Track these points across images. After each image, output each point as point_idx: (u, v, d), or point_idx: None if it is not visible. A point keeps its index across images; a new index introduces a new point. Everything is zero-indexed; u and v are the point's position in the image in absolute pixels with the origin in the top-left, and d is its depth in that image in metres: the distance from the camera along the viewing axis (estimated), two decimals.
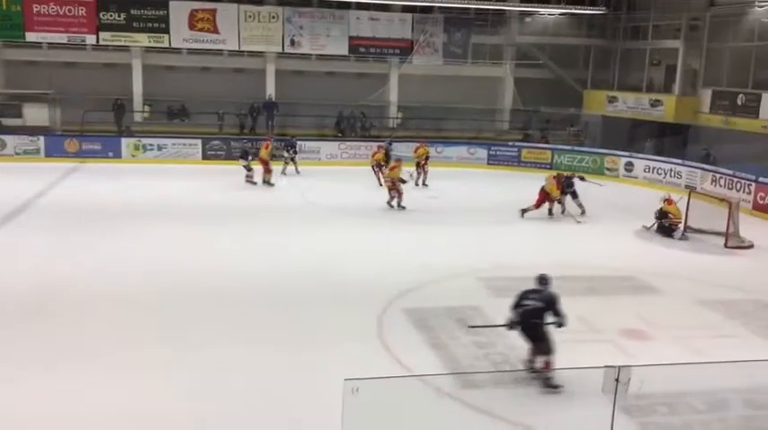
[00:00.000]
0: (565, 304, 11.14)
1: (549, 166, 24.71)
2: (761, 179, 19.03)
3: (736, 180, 19.72)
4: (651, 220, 15.97)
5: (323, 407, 6.34)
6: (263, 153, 20.67)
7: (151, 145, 24.00)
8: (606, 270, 13.17)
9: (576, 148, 25.28)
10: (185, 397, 7.65)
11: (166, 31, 25.78)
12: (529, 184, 18.65)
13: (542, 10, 27.99)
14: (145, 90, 26.53)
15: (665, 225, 15.67)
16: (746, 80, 23.37)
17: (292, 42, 26.67)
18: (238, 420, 7.28)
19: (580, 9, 27.38)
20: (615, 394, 5.05)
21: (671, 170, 22.11)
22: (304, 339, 9.37)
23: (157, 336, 9.29)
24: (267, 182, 20.40)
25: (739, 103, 23.30)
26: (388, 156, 20.77)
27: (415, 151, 21.50)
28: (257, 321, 9.96)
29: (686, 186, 20.10)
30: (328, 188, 20.61)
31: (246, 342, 9.21)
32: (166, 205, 17.31)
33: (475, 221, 16.81)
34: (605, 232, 16.00)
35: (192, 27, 25.90)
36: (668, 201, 15.93)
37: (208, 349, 8.89)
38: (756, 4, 22.42)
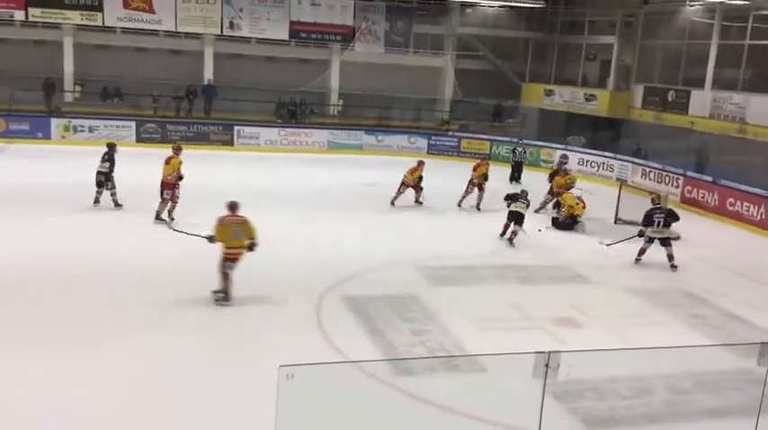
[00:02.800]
0: (500, 292, 11.45)
1: (488, 157, 25.02)
2: (688, 173, 19.75)
3: (665, 174, 20.42)
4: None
5: (258, 394, 6.29)
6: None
7: (82, 126, 23.22)
8: (540, 260, 13.47)
9: (514, 140, 25.65)
10: (123, 383, 7.52)
11: (100, 8, 25.00)
12: (468, 175, 18.86)
13: (483, 2, 28.30)
14: (76, 69, 25.68)
15: (559, 217, 15.86)
16: (677, 77, 24.20)
17: (231, 25, 26.22)
18: (174, 407, 7.19)
19: (519, 2, 27.78)
20: (545, 379, 5.17)
21: (603, 163, 22.72)
22: (241, 326, 9.27)
23: (92, 322, 9.04)
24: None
25: (670, 99, 24.12)
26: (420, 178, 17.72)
27: (475, 169, 17.78)
28: (194, 308, 9.79)
29: (617, 179, 20.71)
30: (266, 175, 20.37)
31: (183, 330, 9.06)
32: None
33: (414, 210, 16.92)
34: (540, 223, 16.32)
35: (126, 6, 25.18)
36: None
37: (140, 337, 8.71)
38: (688, 3, 23.19)
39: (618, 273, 12.87)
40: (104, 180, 15.06)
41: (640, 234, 13.22)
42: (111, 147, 15.61)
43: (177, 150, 15.02)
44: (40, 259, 11.41)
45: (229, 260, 9.83)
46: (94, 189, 15.01)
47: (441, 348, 8.98)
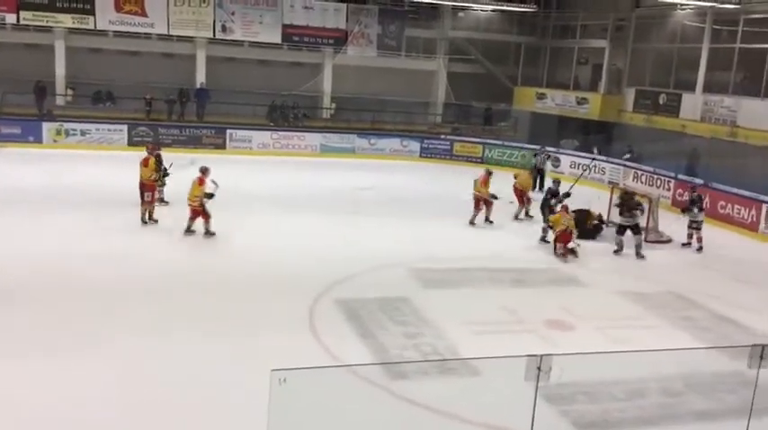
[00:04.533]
0: (492, 295, 11.46)
1: (480, 160, 25.09)
2: (680, 176, 19.83)
3: (656, 177, 20.49)
4: None
5: (250, 398, 6.28)
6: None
7: (74, 130, 23.14)
8: (532, 263, 13.49)
9: (507, 143, 25.74)
10: (112, 386, 7.49)
11: (92, 12, 24.92)
12: (460, 178, 18.90)
13: (474, 6, 28.35)
14: (68, 73, 25.60)
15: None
16: (668, 80, 24.31)
17: (224, 28, 26.19)
18: (165, 409, 7.16)
19: (511, 6, 27.86)
20: (537, 382, 5.18)
21: (595, 166, 22.76)
22: (234, 329, 9.24)
23: (81, 325, 9.01)
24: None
25: (661, 102, 24.22)
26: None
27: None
28: (187, 311, 9.77)
29: (609, 182, 20.76)
30: (259, 178, 20.34)
31: (176, 331, 9.05)
32: (90, 191, 16.72)
33: (406, 214, 16.91)
34: (532, 226, 16.35)
35: (118, 9, 25.11)
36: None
37: (130, 339, 8.68)
38: (679, 7, 23.31)
39: (609, 275, 12.91)
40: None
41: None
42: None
43: (152, 150, 15.04)
44: (31, 262, 11.36)
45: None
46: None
47: (434, 351, 8.97)
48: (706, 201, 16.47)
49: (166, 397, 7.38)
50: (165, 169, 15.47)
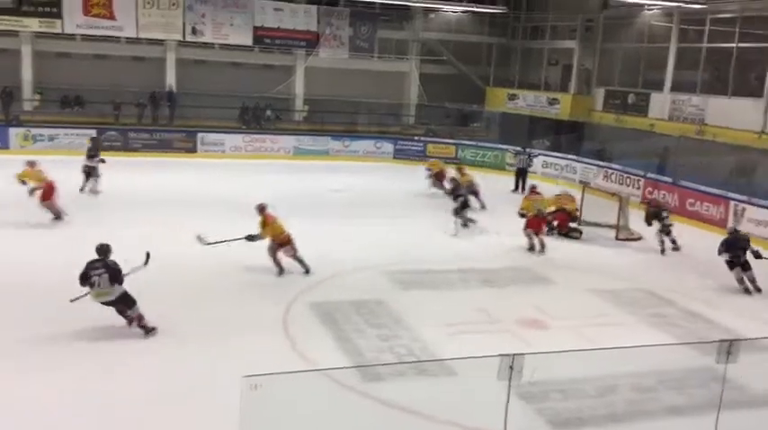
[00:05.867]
0: (466, 296, 11.51)
1: (453, 161, 25.19)
2: (649, 175, 20.11)
3: (626, 175, 20.75)
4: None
5: (222, 405, 6.23)
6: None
7: (42, 135, 22.79)
8: (505, 262, 13.57)
9: (480, 143, 25.88)
10: (81, 395, 7.39)
11: (59, 15, 24.54)
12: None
13: (445, 7, 28.47)
14: (35, 77, 25.20)
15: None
16: (637, 80, 24.63)
17: (194, 31, 25.96)
18: (136, 413, 7.10)
19: (481, 7, 28.03)
20: (510, 381, 5.22)
21: (567, 166, 23.00)
22: (208, 334, 9.17)
23: (43, 334, 8.87)
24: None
25: (630, 102, 24.54)
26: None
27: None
28: (159, 316, 9.66)
29: (581, 181, 20.97)
30: (232, 182, 20.20)
31: (142, 338, 8.96)
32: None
33: (381, 215, 16.92)
34: (505, 225, 16.43)
35: (86, 12, 24.77)
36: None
37: (107, 341, 8.60)
38: (646, 7, 23.62)
39: (580, 274, 13.04)
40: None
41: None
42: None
43: (31, 164, 15.25)
44: (34, 266, 11.31)
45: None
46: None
47: (409, 353, 8.99)
48: (674, 199, 16.76)
49: (137, 403, 7.30)
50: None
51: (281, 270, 11.81)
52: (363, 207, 17.81)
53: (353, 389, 7.46)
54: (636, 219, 16.43)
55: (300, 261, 11.95)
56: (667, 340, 9.85)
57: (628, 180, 20.58)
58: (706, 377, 7.59)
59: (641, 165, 20.58)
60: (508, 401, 5.43)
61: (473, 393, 7.53)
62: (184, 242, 13.45)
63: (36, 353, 8.36)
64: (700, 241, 16.48)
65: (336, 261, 12.74)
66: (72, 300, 8.97)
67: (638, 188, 20.10)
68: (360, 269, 12.46)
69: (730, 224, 14.71)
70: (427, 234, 15.40)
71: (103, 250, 9.10)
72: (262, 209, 12.15)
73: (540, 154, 23.81)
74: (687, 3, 21.57)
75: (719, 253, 12.27)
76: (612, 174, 21.31)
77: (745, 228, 16.55)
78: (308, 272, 11.89)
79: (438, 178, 19.05)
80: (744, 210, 16.78)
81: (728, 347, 6.24)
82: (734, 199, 17.09)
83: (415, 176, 21.99)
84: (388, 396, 7.52)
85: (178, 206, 16.57)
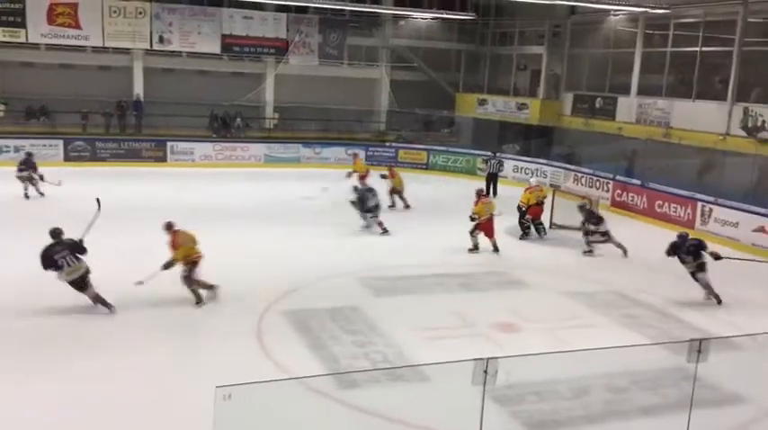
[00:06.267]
0: (441, 300, 11.52)
1: (425, 167, 25.29)
2: (618, 177, 20.36)
3: (595, 178, 20.99)
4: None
5: (194, 417, 6.15)
6: None
7: (7, 146, 22.37)
8: (478, 266, 13.62)
9: (451, 149, 26.00)
10: (49, 410, 7.25)
11: (23, 25, 24.14)
12: (406, 185, 19.00)
13: (414, 14, 28.59)
14: None
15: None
16: (604, 84, 24.95)
17: (161, 39, 25.72)
18: (108, 426, 7.01)
19: (450, 14, 28.19)
20: (484, 385, 5.22)
21: (537, 170, 23.20)
22: (176, 346, 9.06)
23: (15, 347, 8.68)
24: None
25: (597, 106, 24.83)
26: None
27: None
28: (130, 328, 9.53)
29: (551, 185, 21.15)
30: (202, 191, 20.03)
31: (119, 348, 8.84)
32: (23, 209, 16.20)
33: (352, 222, 16.87)
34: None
35: (51, 21, 24.40)
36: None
37: (78, 355, 8.45)
38: (612, 13, 23.96)
39: (553, 277, 13.13)
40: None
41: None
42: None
43: None
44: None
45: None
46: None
47: (384, 359, 8.96)
48: (643, 201, 16.96)
49: (108, 416, 7.18)
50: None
51: (199, 299, 10.42)
52: (336, 214, 17.75)
53: (329, 396, 7.42)
54: (605, 222, 16.60)
55: (208, 286, 10.57)
56: (639, 340, 9.95)
57: (597, 183, 20.82)
58: (678, 376, 7.69)
59: (610, 168, 20.85)
60: (483, 405, 5.43)
61: (448, 398, 7.52)
62: (154, 252, 13.30)
63: (3, 370, 8.17)
64: (668, 242, 16.72)
65: (310, 268, 12.68)
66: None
67: (608, 191, 20.34)
68: (334, 276, 12.41)
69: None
70: (402, 239, 15.40)
71: (56, 233, 9.71)
72: (169, 227, 10.60)
73: (510, 158, 24.03)
74: (651, 8, 21.92)
75: (667, 254, 12.10)
76: (582, 177, 21.55)
77: (711, 228, 16.88)
78: (199, 302, 10.41)
79: (362, 179, 19.33)
80: (711, 210, 17.07)
81: (699, 346, 6.32)
82: (701, 200, 17.38)
83: (388, 182, 21.98)
84: (364, 402, 7.50)
85: (148, 216, 16.35)
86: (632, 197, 19.58)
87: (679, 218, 17.84)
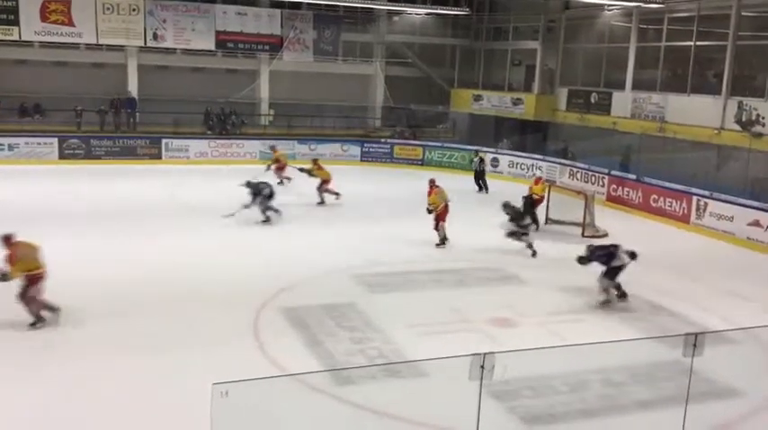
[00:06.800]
0: (437, 296, 11.52)
1: (420, 163, 25.28)
2: (613, 172, 20.40)
3: (591, 173, 21.03)
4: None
5: (193, 414, 6.15)
6: None
7: (1, 144, 22.31)
8: (475, 262, 13.63)
9: (446, 145, 26.00)
10: (51, 406, 7.27)
11: (15, 23, 24.02)
12: (401, 181, 19.02)
13: (409, 9, 28.54)
14: None
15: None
16: (599, 79, 24.96)
17: (155, 36, 25.63)
18: (107, 424, 7.01)
19: (445, 9, 28.17)
20: (481, 380, 5.23)
21: (533, 165, 23.23)
22: (176, 342, 9.05)
23: (25, 344, 8.68)
24: None
25: (592, 101, 24.86)
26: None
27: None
28: (127, 326, 9.51)
29: (546, 180, 21.16)
30: (199, 187, 20.00)
31: (117, 346, 8.82)
32: (18, 208, 16.13)
33: (348, 218, 16.89)
34: (473, 226, 16.53)
35: (44, 19, 24.29)
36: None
37: (77, 355, 8.46)
38: (606, 7, 23.97)
39: (549, 272, 13.14)
40: None
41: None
42: None
43: None
44: None
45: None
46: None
47: (380, 355, 8.97)
48: (638, 196, 16.99)
49: (105, 414, 7.18)
50: None
51: (38, 320, 9.28)
52: (331, 210, 17.76)
53: (325, 392, 7.42)
54: (601, 216, 16.67)
55: (49, 307, 9.37)
56: (635, 335, 9.97)
57: (593, 178, 20.85)
58: (674, 370, 7.71)
59: (605, 163, 20.88)
60: (480, 400, 5.43)
61: (445, 393, 7.54)
62: (149, 251, 13.31)
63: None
64: (664, 236, 16.80)
65: (306, 265, 12.68)
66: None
67: (603, 186, 20.38)
68: (330, 272, 12.41)
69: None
70: (398, 236, 15.38)
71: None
72: (7, 240, 9.30)
73: (505, 154, 24.10)
74: (645, 2, 21.93)
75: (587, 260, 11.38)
76: (577, 172, 21.58)
77: (707, 222, 16.92)
78: (34, 325, 9.24)
79: (279, 170, 20.05)
80: (706, 204, 17.11)
81: (694, 340, 6.34)
82: (696, 194, 17.42)
83: (382, 178, 22.06)
84: (361, 399, 7.50)
85: (142, 214, 16.34)
86: (628, 192, 19.62)
87: (674, 212, 17.88)
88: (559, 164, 22.48)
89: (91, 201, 17.54)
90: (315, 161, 19.33)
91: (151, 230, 14.76)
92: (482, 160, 22.28)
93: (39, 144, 22.67)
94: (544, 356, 7.35)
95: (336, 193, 18.38)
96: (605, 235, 15.98)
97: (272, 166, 20.22)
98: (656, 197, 18.55)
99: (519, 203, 15.66)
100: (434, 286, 12.14)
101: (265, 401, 5.19)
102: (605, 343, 7.96)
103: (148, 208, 17.07)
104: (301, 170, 18.81)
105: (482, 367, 5.11)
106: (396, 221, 16.74)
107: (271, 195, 15.81)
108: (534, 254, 14.07)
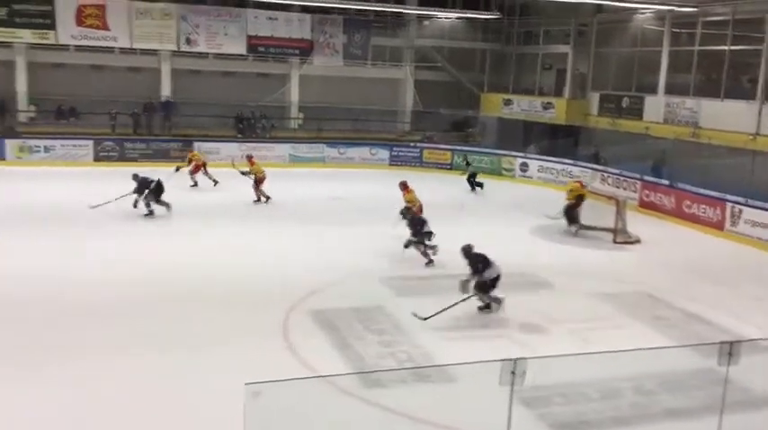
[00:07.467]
0: (465, 301, 11.46)
1: (449, 167, 25.23)
2: (645, 178, 20.15)
3: (623, 179, 20.79)
4: (546, 219, 16.60)
5: (226, 412, 6.20)
6: None
7: (38, 146, 22.77)
8: (505, 267, 13.45)
9: (475, 149, 25.91)
10: (81, 404, 7.35)
11: (53, 26, 24.55)
12: (431, 185, 18.99)
13: (439, 14, 28.53)
14: (30, 88, 25.13)
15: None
16: (630, 84, 24.69)
17: (188, 41, 25.98)
18: (140, 425, 7.07)
19: (475, 13, 28.11)
20: (512, 386, 5.20)
21: (563, 170, 23.05)
22: (208, 343, 9.13)
23: (41, 343, 8.83)
24: None
25: (624, 105, 24.57)
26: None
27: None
28: (159, 326, 9.63)
29: (577, 181, 20.97)
30: (228, 189, 20.15)
31: (149, 346, 8.92)
32: (54, 209, 16.44)
33: (377, 222, 16.86)
34: (503, 230, 16.45)
35: (80, 23, 24.77)
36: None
37: (109, 353, 8.59)
38: (639, 11, 23.71)
39: (579, 277, 13.02)
40: None
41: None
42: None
43: None
44: (22, 281, 11.17)
45: None
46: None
47: (409, 359, 8.96)
48: (671, 202, 16.67)
49: (139, 413, 7.26)
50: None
51: None
52: (359, 213, 17.80)
53: (355, 395, 7.43)
54: (633, 223, 16.47)
55: None
56: (667, 342, 9.83)
57: (625, 183, 20.62)
58: (707, 379, 7.57)
59: (637, 169, 20.63)
60: (511, 406, 5.40)
61: (474, 399, 7.50)
62: (177, 250, 13.48)
63: (30, 366, 8.30)
64: (697, 243, 16.55)
65: (335, 268, 12.72)
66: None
67: (635, 191, 20.14)
68: (359, 275, 12.43)
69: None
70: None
71: None
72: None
73: (534, 158, 24.03)
74: (679, 6, 21.65)
75: (481, 271, 10.76)
76: (609, 177, 21.35)
77: (741, 229, 16.62)
78: None
79: (194, 171, 20.05)
80: (740, 211, 16.81)
81: (729, 349, 6.23)
82: (731, 200, 17.13)
83: (412, 183, 21.98)
84: (391, 402, 7.49)
85: (174, 215, 16.55)
86: (660, 198, 19.36)
87: (708, 218, 17.60)
88: (591, 169, 22.26)
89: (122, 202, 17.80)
90: (249, 158, 19.44)
91: (182, 231, 14.96)
92: (468, 163, 22.73)
93: (74, 146, 23.10)
94: (575, 363, 7.28)
95: (267, 197, 18.47)
96: (637, 241, 15.81)
97: (188, 167, 20.21)
98: (690, 203, 18.28)
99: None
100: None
101: (296, 402, 5.22)
102: (637, 350, 7.86)
103: (178, 210, 17.27)
104: (243, 173, 18.74)
105: (513, 373, 5.08)
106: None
107: (158, 189, 16.20)
108: (429, 263, 13.29)
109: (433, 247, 13.18)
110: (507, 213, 18.45)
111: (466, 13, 27.84)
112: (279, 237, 15.01)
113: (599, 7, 25.29)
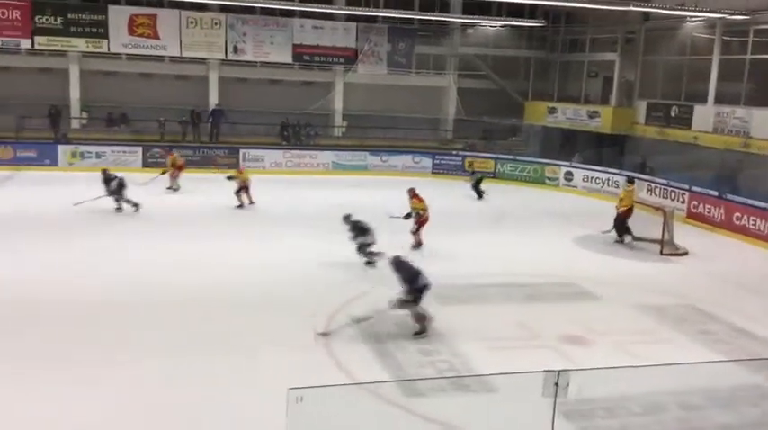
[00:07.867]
0: (507, 311, 11.41)
1: (492, 175, 25.10)
2: (694, 188, 19.74)
3: (670, 189, 20.40)
4: (590, 228, 16.40)
5: (267, 417, 6.29)
6: None
7: (89, 152, 23.42)
8: (547, 277, 13.42)
9: (519, 158, 25.75)
10: (123, 408, 7.52)
11: (105, 36, 25.27)
12: (471, 192, 18.92)
13: (484, 21, 28.48)
14: (83, 96, 25.92)
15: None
16: (679, 92, 24.24)
17: (235, 49, 26.46)
18: (184, 425, 7.21)
19: (520, 21, 27.96)
20: (555, 398, 5.16)
21: (608, 179, 22.73)
22: (249, 348, 9.26)
23: (97, 344, 9.06)
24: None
25: (673, 114, 24.13)
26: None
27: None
28: (201, 331, 9.81)
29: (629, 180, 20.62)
30: (273, 196, 20.41)
31: (189, 351, 9.09)
32: (106, 213, 16.88)
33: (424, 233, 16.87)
34: (546, 240, 16.31)
35: (131, 32, 25.44)
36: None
37: (149, 358, 8.75)
38: (688, 19, 23.30)
39: (624, 289, 12.82)
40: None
41: None
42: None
43: None
44: (48, 283, 11.46)
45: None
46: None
47: (450, 368, 8.95)
48: (720, 213, 16.29)
49: (181, 418, 7.40)
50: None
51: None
52: (403, 221, 17.79)
53: (395, 403, 7.45)
54: (681, 234, 16.15)
55: None
56: (714, 357, 9.62)
57: (672, 194, 20.23)
58: (756, 395, 7.41)
59: (686, 179, 20.20)
60: (554, 418, 5.36)
61: (515, 410, 7.45)
62: (225, 259, 13.70)
63: (76, 370, 8.53)
64: (746, 256, 16.15)
65: (375, 276, 12.74)
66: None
67: (683, 202, 19.74)
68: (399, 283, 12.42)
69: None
70: (467, 248, 15.31)
71: None
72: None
73: (579, 167, 23.74)
74: (730, 14, 21.21)
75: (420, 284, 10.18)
76: (656, 187, 20.98)
77: None
78: None
79: (174, 176, 20.32)
80: None
81: None
82: None
83: (454, 191, 21.98)
84: (431, 411, 7.50)
85: (217, 221, 16.83)
86: (709, 209, 18.94)
87: (758, 231, 17.16)
88: (637, 178, 21.88)
89: (170, 206, 18.20)
90: (239, 169, 19.91)
91: (226, 237, 15.19)
92: (473, 172, 22.80)
93: (124, 152, 23.69)
94: (619, 376, 7.18)
95: (252, 201, 18.63)
96: (685, 253, 15.49)
97: (168, 172, 20.46)
98: (740, 215, 17.84)
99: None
100: (505, 300, 12.02)
101: (337, 408, 5.27)
102: (683, 364, 7.72)
103: (225, 215, 17.58)
104: (229, 178, 18.89)
105: (556, 384, 5.04)
106: (466, 233, 16.66)
107: (120, 186, 16.84)
108: (369, 263, 13.22)
109: (378, 254, 13.07)
110: (551, 222, 18.26)
111: (510, 20, 27.71)
112: (320, 242, 15.12)
113: (647, 15, 24.91)
